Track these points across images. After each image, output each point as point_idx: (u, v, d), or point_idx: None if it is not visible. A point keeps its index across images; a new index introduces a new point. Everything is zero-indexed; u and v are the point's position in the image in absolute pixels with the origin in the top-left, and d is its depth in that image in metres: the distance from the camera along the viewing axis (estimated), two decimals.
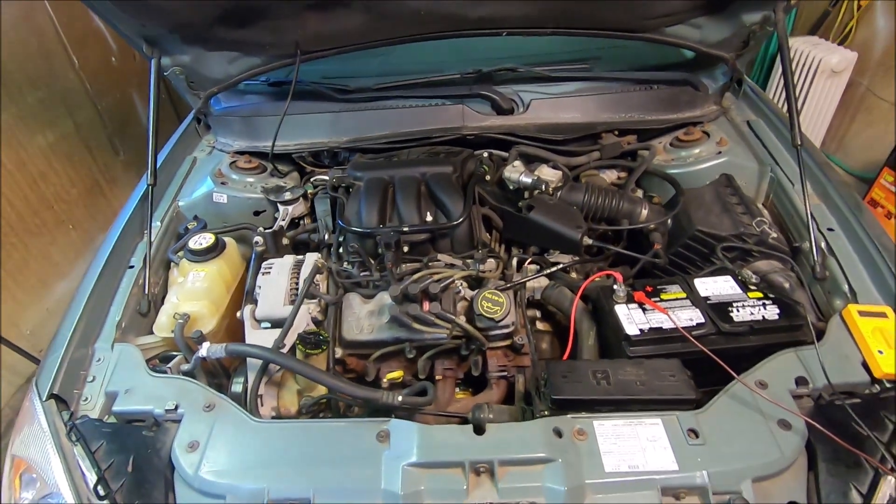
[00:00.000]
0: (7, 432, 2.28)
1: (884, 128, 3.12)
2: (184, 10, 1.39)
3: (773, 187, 1.55)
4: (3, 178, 2.30)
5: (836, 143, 3.50)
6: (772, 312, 1.16)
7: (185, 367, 1.22)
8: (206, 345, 1.19)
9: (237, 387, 1.24)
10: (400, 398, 1.10)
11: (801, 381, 1.05)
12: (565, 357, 1.28)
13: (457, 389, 1.37)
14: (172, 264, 1.50)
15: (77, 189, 2.75)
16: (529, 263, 1.45)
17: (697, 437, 0.97)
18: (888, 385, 1.04)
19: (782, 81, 3.38)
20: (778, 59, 3.49)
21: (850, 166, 3.40)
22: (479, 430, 1.00)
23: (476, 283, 1.39)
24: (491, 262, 1.43)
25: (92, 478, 0.99)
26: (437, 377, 1.31)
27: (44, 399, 1.10)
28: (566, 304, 1.37)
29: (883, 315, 1.13)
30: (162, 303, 1.39)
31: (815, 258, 1.29)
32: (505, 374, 1.30)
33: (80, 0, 1.35)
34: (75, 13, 2.74)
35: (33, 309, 2.46)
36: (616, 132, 1.73)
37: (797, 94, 3.30)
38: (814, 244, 1.31)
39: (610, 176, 1.75)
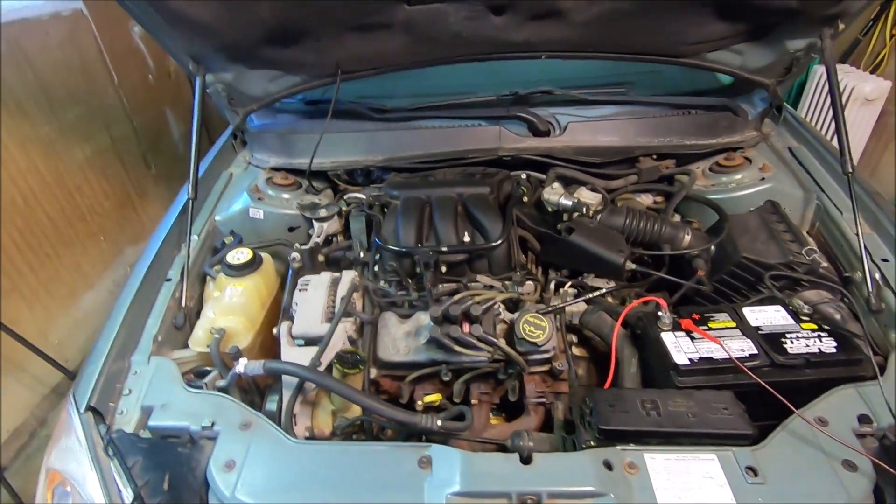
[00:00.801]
0: (29, 442, 2.29)
1: None
2: (232, 31, 1.41)
3: (820, 215, 1.51)
4: (42, 190, 2.35)
5: (868, 170, 3.44)
6: (828, 345, 1.12)
7: (221, 382, 1.21)
8: (243, 361, 1.18)
9: (272, 405, 1.22)
10: (439, 422, 1.07)
11: (863, 420, 1.00)
12: (607, 385, 1.24)
13: (491, 415, 1.34)
14: (209, 278, 1.50)
15: (110, 202, 2.80)
16: (569, 286, 1.42)
17: (756, 475, 0.92)
18: None
19: (812, 107, 3.39)
20: (807, 85, 3.47)
21: (885, 194, 3.33)
22: (525, 459, 0.96)
23: (513, 305, 1.36)
24: (529, 285, 1.41)
25: (128, 494, 0.97)
26: (473, 401, 1.28)
27: (82, 411, 1.09)
28: (606, 329, 1.33)
29: None
30: (197, 317, 1.39)
31: (871, 289, 1.24)
32: (543, 400, 1.26)
33: (135, 18, 1.38)
34: (117, 33, 2.84)
35: (62, 319, 2.49)
36: (654, 156, 1.71)
37: (829, 123, 3.27)
38: (868, 275, 1.26)
39: (646, 200, 1.72)
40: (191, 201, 1.52)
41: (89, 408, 1.10)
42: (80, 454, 1.04)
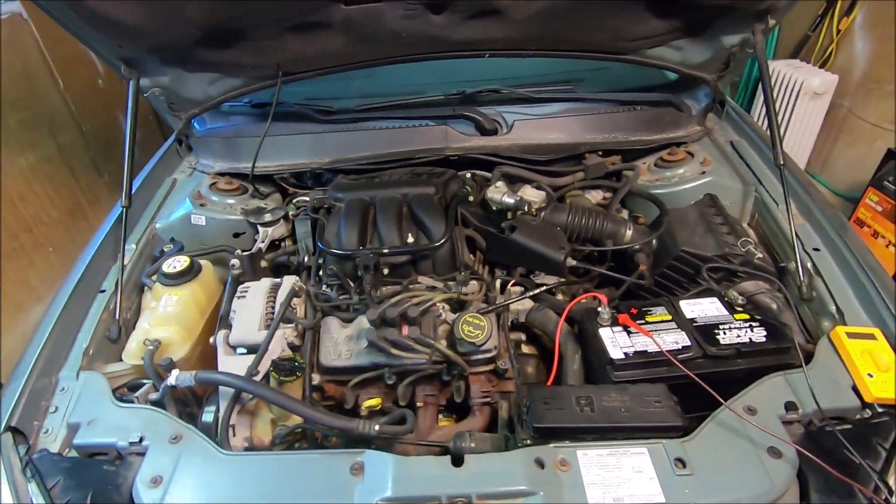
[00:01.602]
0: None
1: (866, 148, 3.17)
2: (161, 33, 1.37)
3: (758, 207, 1.54)
4: None
5: (820, 163, 3.54)
6: (759, 335, 1.14)
7: (154, 395, 1.17)
8: (175, 372, 1.14)
9: (208, 416, 1.18)
10: (377, 427, 1.06)
11: (790, 407, 1.02)
12: (550, 382, 1.25)
13: (440, 416, 1.33)
14: (146, 288, 1.45)
15: (58, 211, 2.70)
16: (513, 285, 1.42)
17: (685, 466, 0.93)
18: (879, 410, 1.01)
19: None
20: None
21: (835, 186, 3.43)
22: (457, 461, 0.96)
23: (459, 306, 1.35)
24: (473, 285, 1.40)
25: None
26: (419, 404, 1.27)
27: (0, 432, 1.04)
28: (551, 326, 1.34)
29: (871, 337, 1.10)
30: (134, 329, 1.35)
31: (802, 278, 1.27)
32: (488, 400, 1.26)
33: (56, 21, 1.33)
34: (61, 36, 2.72)
35: (8, 335, 2.39)
36: (600, 153, 1.72)
37: (780, 116, 3.36)
38: (800, 264, 1.29)
39: (595, 196, 1.73)
40: (125, 210, 1.47)
41: (8, 427, 1.05)
42: None
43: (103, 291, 1.39)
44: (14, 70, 2.49)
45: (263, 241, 1.58)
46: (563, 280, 1.44)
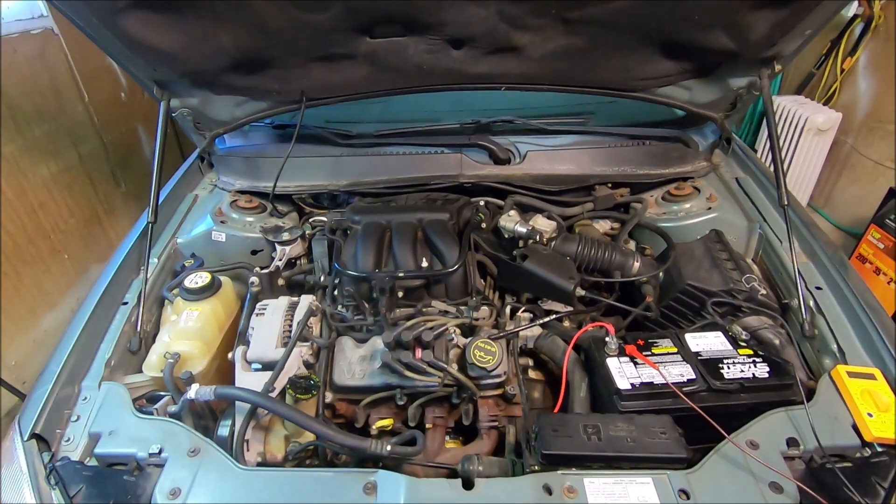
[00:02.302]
0: None
1: (868, 185, 3.23)
2: (195, 59, 1.44)
3: (762, 244, 1.59)
4: (2, 206, 2.32)
5: (823, 198, 3.60)
6: (762, 370, 1.17)
7: (173, 408, 1.21)
8: (195, 386, 1.18)
9: (224, 430, 1.21)
10: (388, 447, 1.09)
11: (791, 443, 1.05)
12: (557, 409, 1.27)
13: (447, 438, 1.35)
14: (167, 302, 1.50)
15: (76, 219, 2.77)
16: (523, 311, 1.46)
17: (688, 497, 0.96)
18: (879, 449, 1.04)
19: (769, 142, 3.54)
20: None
21: (838, 220, 3.48)
22: (467, 484, 0.98)
23: (469, 330, 1.39)
24: (484, 310, 1.44)
25: None
26: (428, 425, 1.30)
27: (25, 439, 1.08)
28: (558, 353, 1.37)
29: (871, 377, 1.13)
30: (153, 341, 1.39)
31: (804, 316, 1.31)
32: (496, 424, 1.29)
33: (96, 43, 1.40)
34: (89, 51, 2.83)
35: (20, 340, 2.43)
36: (609, 185, 1.78)
37: (785, 151, 3.42)
38: (802, 302, 1.33)
39: (603, 226, 1.78)
40: (150, 225, 1.52)
41: (33, 435, 1.09)
42: (22, 483, 1.02)
43: (126, 304, 1.43)
44: (42, 83, 2.58)
45: (281, 260, 1.63)
46: (571, 308, 1.47)
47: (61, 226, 2.67)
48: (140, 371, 1.34)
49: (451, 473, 1.13)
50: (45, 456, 1.07)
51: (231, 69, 1.51)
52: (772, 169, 1.62)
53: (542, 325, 1.44)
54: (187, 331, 1.35)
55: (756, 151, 3.50)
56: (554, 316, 1.42)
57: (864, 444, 1.05)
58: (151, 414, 1.19)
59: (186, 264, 1.59)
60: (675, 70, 1.58)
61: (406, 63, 1.54)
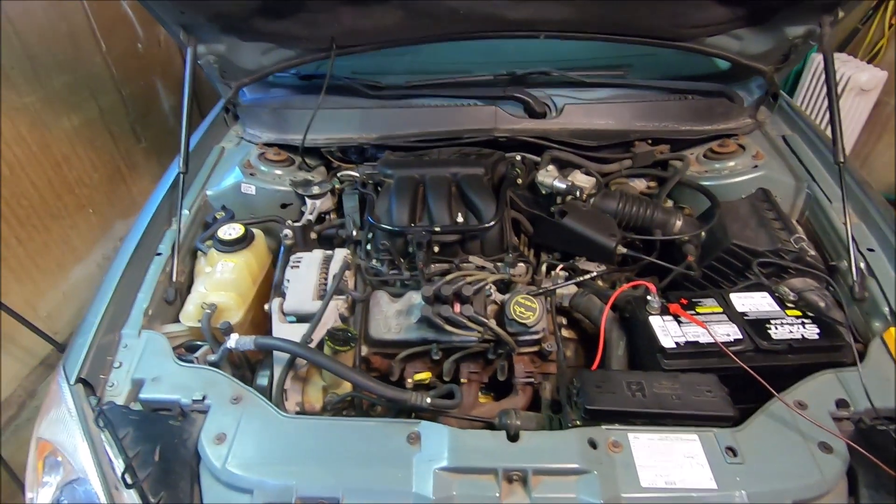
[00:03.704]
0: (18, 413, 2.29)
1: None
2: (224, 1, 1.38)
3: (809, 204, 1.53)
4: (28, 160, 2.31)
5: (860, 161, 3.46)
6: (811, 332, 1.14)
7: (212, 357, 1.21)
8: (234, 336, 1.18)
9: (263, 380, 1.23)
10: (429, 400, 1.09)
11: (841, 404, 1.03)
12: (595, 366, 1.26)
13: (479, 394, 1.36)
14: (200, 253, 1.49)
15: (99, 174, 2.76)
16: (560, 269, 1.43)
17: (736, 455, 0.95)
18: None
19: (808, 95, 3.38)
20: (804, 73, 3.46)
21: (874, 184, 3.36)
22: (512, 436, 0.98)
23: (504, 286, 1.37)
24: (521, 267, 1.41)
25: (119, 465, 0.98)
26: (462, 380, 1.30)
27: (72, 383, 1.09)
28: (595, 312, 1.35)
29: None
30: (188, 292, 1.39)
31: (855, 278, 1.27)
32: (531, 380, 1.28)
33: None
34: None
35: (51, 292, 2.47)
36: (649, 141, 1.71)
37: (823, 111, 3.27)
38: (853, 264, 1.28)
39: (639, 185, 1.73)
40: (182, 175, 1.50)
41: (79, 379, 1.10)
42: (71, 425, 1.04)
43: (159, 254, 1.42)
44: (59, 32, 2.52)
45: (311, 214, 1.60)
46: (608, 267, 1.44)
47: (85, 180, 2.67)
48: (176, 321, 1.34)
49: (488, 427, 1.13)
50: (93, 400, 1.09)
51: (259, 12, 1.45)
52: (823, 126, 1.54)
53: (578, 284, 1.41)
54: (223, 282, 1.35)
55: None
56: (593, 274, 1.39)
57: None
58: (191, 362, 1.20)
59: (217, 216, 1.57)
60: (728, 17, 1.48)
61: (440, 7, 1.46)
